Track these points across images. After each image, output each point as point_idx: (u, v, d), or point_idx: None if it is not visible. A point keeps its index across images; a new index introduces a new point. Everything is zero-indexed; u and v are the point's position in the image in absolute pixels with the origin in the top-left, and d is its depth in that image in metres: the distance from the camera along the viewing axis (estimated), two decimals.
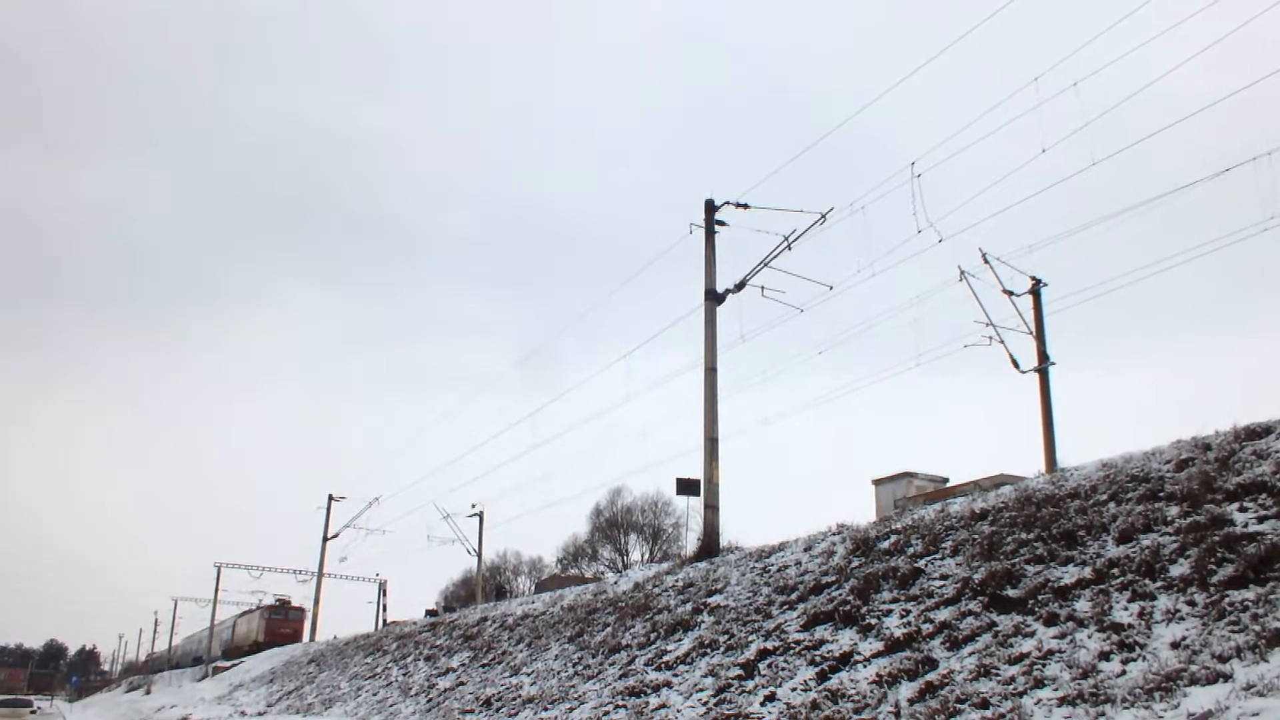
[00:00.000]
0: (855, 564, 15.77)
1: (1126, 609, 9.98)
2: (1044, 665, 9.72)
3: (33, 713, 47.77)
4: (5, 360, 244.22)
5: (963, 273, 26.00)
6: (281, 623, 71.42)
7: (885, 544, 15.91)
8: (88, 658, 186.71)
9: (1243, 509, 10.72)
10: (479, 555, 51.88)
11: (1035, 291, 26.76)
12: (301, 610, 72.02)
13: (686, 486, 26.58)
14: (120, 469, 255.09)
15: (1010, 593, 11.74)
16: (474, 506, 47.62)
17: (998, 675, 10.04)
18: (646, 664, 16.73)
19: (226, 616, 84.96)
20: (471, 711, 19.87)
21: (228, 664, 65.74)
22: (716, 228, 26.12)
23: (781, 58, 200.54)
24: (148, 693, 72.03)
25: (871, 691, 11.25)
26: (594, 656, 19.07)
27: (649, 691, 15.33)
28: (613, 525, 75.09)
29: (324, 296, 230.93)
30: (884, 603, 13.62)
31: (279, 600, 73.76)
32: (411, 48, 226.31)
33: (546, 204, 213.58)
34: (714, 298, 25.70)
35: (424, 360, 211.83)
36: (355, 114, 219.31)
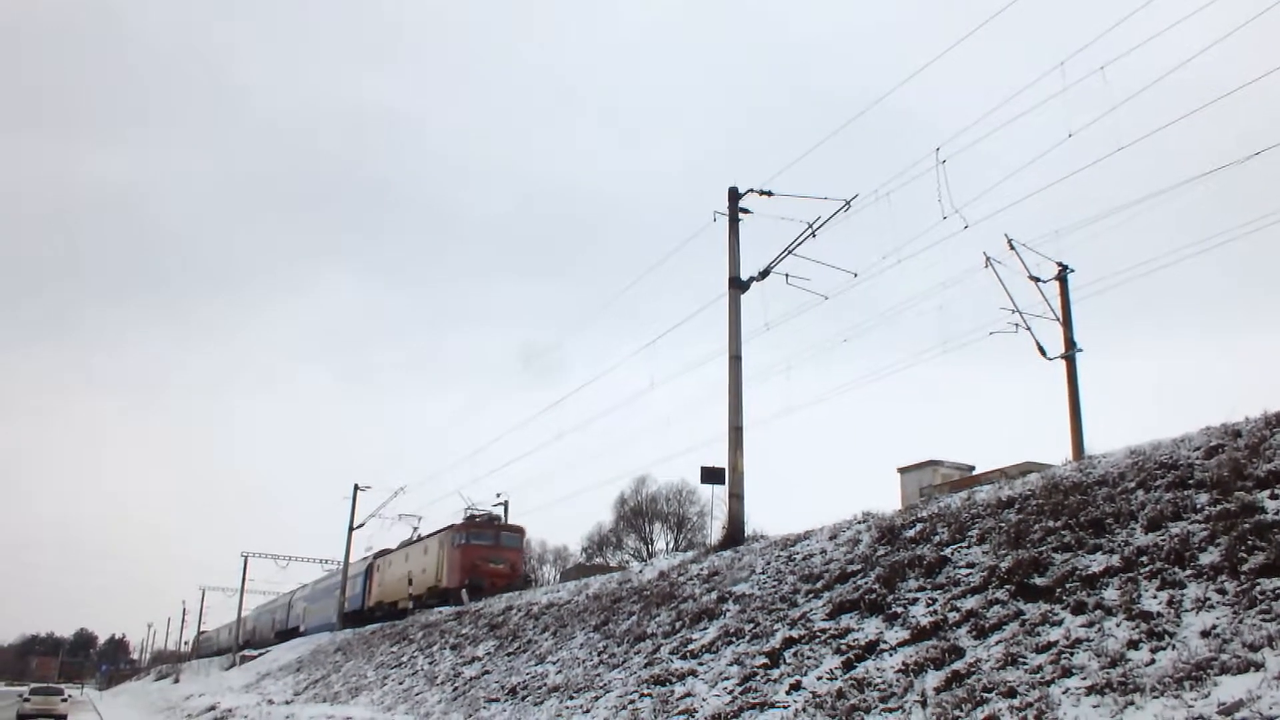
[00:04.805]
0: (881, 552, 15.72)
1: (1155, 597, 9.91)
2: (1072, 654, 9.67)
3: (64, 700, 48.19)
4: (32, 350, 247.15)
5: (988, 259, 25.79)
6: (491, 551, 42.53)
7: (911, 532, 15.85)
8: (117, 647, 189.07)
9: (1274, 496, 10.61)
10: None
11: (1062, 278, 26.51)
12: (519, 533, 46.12)
13: (711, 475, 26.56)
14: (147, 459, 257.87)
15: (1037, 581, 11.67)
16: (499, 496, 47.62)
17: (1025, 664, 9.99)
18: (671, 653, 16.75)
19: (356, 559, 58.61)
20: (497, 700, 19.95)
21: (255, 653, 66.13)
22: (740, 215, 26.08)
23: (807, 41, 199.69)
24: (176, 681, 72.89)
25: (898, 680, 11.21)
26: (619, 645, 19.11)
27: (674, 680, 15.35)
28: (637, 514, 75.21)
29: (351, 282, 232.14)
30: (910, 591, 13.58)
31: (478, 515, 44.63)
32: (434, 26, 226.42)
33: (573, 186, 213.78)
34: (738, 286, 25.65)
35: (451, 348, 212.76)
36: (377, 94, 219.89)
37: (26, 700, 47.15)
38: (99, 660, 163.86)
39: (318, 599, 64.24)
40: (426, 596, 44.27)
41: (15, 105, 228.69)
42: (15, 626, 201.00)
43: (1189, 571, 10.04)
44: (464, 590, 40.43)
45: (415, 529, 53.42)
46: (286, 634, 69.25)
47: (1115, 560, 11.06)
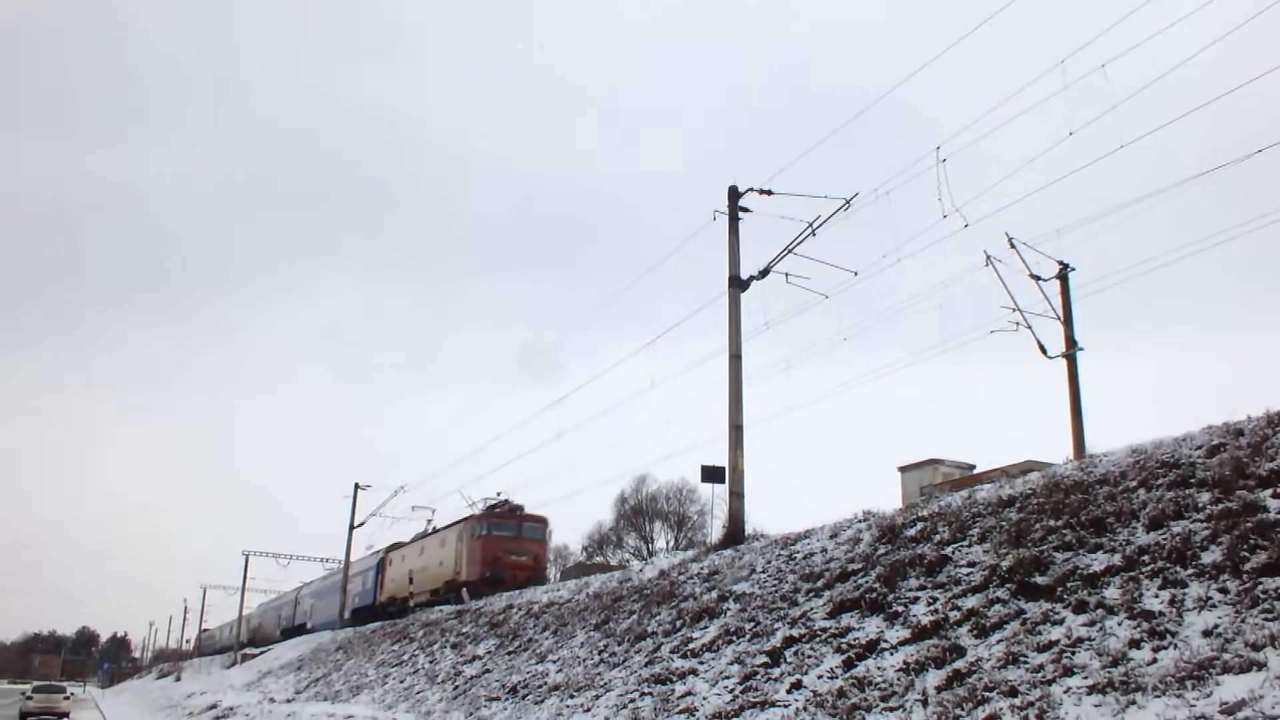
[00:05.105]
0: (882, 551, 15.71)
1: (1157, 596, 9.89)
2: (1073, 653, 9.65)
3: (66, 698, 48.16)
4: (32, 350, 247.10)
5: (989, 258, 25.79)
6: (513, 542, 40.04)
7: (912, 531, 15.83)
8: (119, 645, 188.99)
9: (1276, 495, 10.59)
10: None
11: (1063, 276, 26.51)
12: (543, 523, 42.76)
13: (711, 474, 26.54)
14: (148, 458, 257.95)
15: (1039, 580, 11.65)
16: (499, 494, 47.69)
17: (1026, 663, 9.98)
18: (672, 651, 16.74)
19: (361, 555, 57.68)
20: (497, 699, 19.95)
21: (256, 651, 66.08)
22: (740, 214, 26.05)
23: (807, 40, 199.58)
24: (178, 679, 72.89)
25: (899, 679, 11.20)
26: (619, 644, 19.10)
27: (675, 679, 15.34)
28: (638, 513, 75.18)
29: (351, 282, 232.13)
30: (911, 590, 13.56)
31: (498, 504, 41.82)
32: (435, 26, 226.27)
33: (574, 185, 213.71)
34: (738, 284, 25.63)
35: (452, 347, 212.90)
36: (377, 94, 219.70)
37: (29, 698, 47.16)
38: (101, 658, 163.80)
39: (326, 595, 62.05)
40: (444, 590, 42.25)
41: (15, 105, 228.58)
42: (17, 625, 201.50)
43: (1191, 570, 10.02)
44: (464, 589, 40.28)
45: (429, 521, 51.69)
46: (293, 631, 67.60)
47: (1117, 559, 11.05)
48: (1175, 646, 8.84)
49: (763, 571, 18.35)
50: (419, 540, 49.23)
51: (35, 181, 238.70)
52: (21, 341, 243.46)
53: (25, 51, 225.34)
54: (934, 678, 10.79)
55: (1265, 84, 16.90)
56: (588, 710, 16.18)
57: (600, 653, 19.28)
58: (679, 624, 18.01)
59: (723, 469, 25.51)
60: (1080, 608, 10.50)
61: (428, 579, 44.87)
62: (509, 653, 23.95)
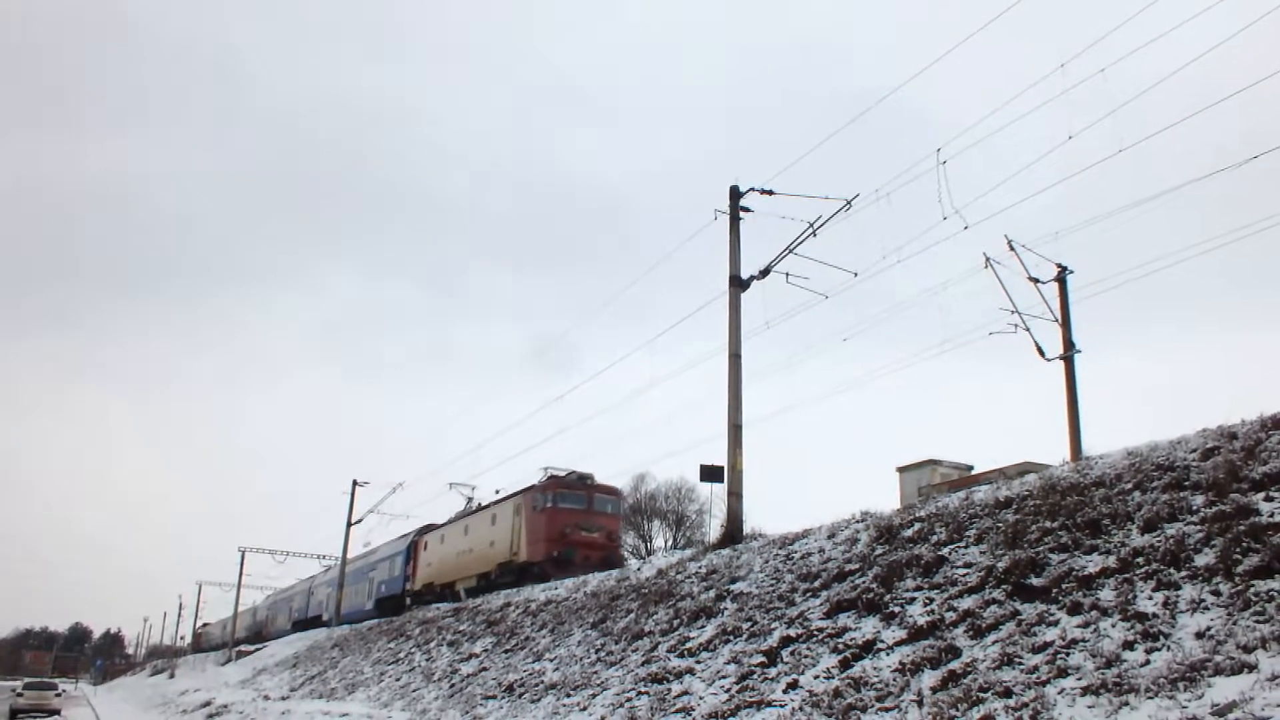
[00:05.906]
0: (879, 551, 15.77)
1: (1151, 598, 9.95)
2: (1067, 654, 9.71)
3: (58, 695, 48.06)
4: (34, 344, 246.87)
5: (988, 260, 25.88)
6: (583, 517, 35.24)
7: (909, 532, 15.90)
8: (112, 641, 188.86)
9: (1269, 498, 10.66)
10: None
11: (1061, 279, 26.60)
12: (617, 496, 38.49)
13: (710, 473, 26.59)
14: (148, 453, 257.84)
15: (1034, 581, 11.72)
16: (497, 492, 47.74)
17: (1021, 664, 10.03)
18: (669, 651, 16.79)
19: (387, 539, 55.78)
20: (494, 697, 19.99)
21: (251, 648, 66.07)
22: (741, 214, 26.14)
23: (809, 40, 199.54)
24: (171, 676, 72.83)
25: (894, 679, 11.26)
26: (617, 643, 19.15)
27: (671, 678, 15.39)
28: (636, 512, 75.11)
29: (355, 279, 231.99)
30: (907, 591, 13.62)
31: (556, 475, 36.50)
32: (440, 24, 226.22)
33: (580, 181, 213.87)
34: (738, 284, 25.69)
35: (456, 344, 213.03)
36: (381, 90, 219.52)
37: (20, 695, 47.12)
38: (94, 655, 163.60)
39: (346, 584, 58.25)
40: (497, 574, 37.34)
41: (19, 99, 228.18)
42: (9, 620, 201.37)
43: (1184, 573, 10.09)
44: (462, 588, 40.26)
45: (469, 498, 47.60)
46: (306, 623, 65.19)
47: (1111, 561, 11.11)
48: (1168, 648, 8.91)
49: (760, 571, 18.40)
50: (462, 519, 44.35)
51: (36, 176, 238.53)
52: (24, 335, 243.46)
53: (29, 46, 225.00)
54: (929, 678, 10.85)
55: (1265, 88, 16.98)
56: (584, 709, 16.23)
57: (597, 651, 19.33)
58: (676, 623, 18.07)
59: (721, 468, 25.57)
60: (1075, 609, 10.56)
61: (475, 561, 40.09)
62: (506, 651, 23.99)
